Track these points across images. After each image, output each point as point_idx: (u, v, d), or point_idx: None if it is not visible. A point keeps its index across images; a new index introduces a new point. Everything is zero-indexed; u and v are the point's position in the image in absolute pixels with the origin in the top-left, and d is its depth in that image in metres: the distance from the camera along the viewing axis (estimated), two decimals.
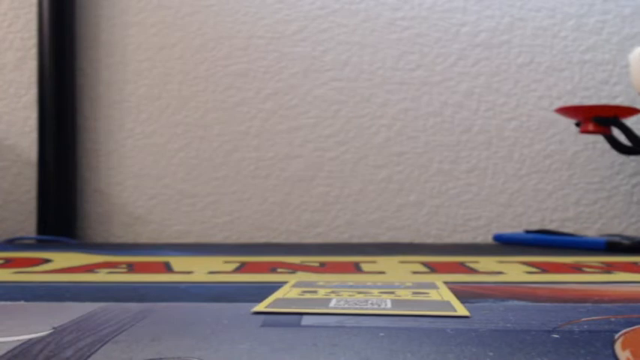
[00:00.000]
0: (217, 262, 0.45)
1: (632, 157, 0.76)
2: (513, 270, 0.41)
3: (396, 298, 0.28)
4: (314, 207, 0.76)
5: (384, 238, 0.76)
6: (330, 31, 0.77)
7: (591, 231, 0.77)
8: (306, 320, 0.23)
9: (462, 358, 0.18)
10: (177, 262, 0.46)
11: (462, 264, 0.45)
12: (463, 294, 0.29)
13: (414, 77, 0.77)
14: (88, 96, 0.77)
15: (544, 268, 0.42)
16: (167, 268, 0.42)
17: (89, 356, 0.18)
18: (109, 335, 0.20)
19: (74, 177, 0.75)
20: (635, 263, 0.46)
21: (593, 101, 0.77)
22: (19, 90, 0.77)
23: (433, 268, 0.42)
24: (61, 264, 0.44)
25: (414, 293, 0.29)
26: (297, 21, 0.77)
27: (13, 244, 0.67)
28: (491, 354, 0.18)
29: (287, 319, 0.23)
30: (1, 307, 0.26)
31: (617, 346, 0.19)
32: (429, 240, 0.76)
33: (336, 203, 0.76)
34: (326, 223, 0.76)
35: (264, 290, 0.30)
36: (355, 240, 0.76)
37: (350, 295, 0.28)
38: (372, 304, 0.26)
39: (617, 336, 0.21)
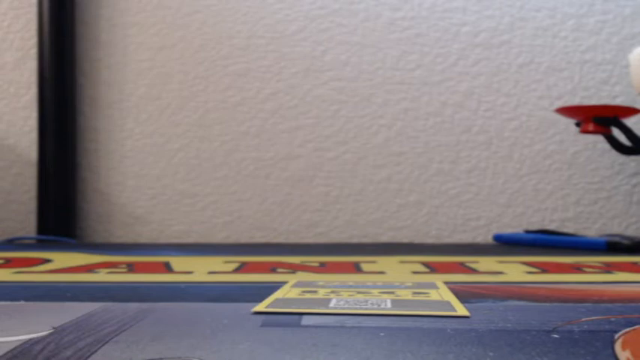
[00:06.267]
0: (217, 262, 0.45)
1: (632, 157, 0.76)
2: (513, 270, 0.41)
3: (396, 298, 0.28)
4: (314, 207, 0.76)
5: (384, 238, 0.76)
6: (330, 31, 0.77)
7: (591, 231, 0.77)
8: (306, 320, 0.23)
9: (462, 358, 0.18)
10: (177, 262, 0.46)
11: (462, 264, 0.45)
12: (463, 294, 0.29)
13: (414, 77, 0.77)
14: (88, 96, 0.77)
15: (544, 268, 0.42)
16: (167, 268, 0.42)
17: (89, 356, 0.18)
18: (109, 335, 0.20)
19: (74, 177, 0.75)
20: (635, 263, 0.46)
21: (593, 101, 0.77)
22: (19, 90, 0.77)
23: (433, 268, 0.42)
24: (61, 264, 0.44)
25: (414, 293, 0.29)
26: (297, 21, 0.77)
27: (13, 244, 0.67)
28: (491, 354, 0.18)
29: (287, 319, 0.23)
30: (1, 307, 0.26)
31: (617, 346, 0.19)
32: (429, 240, 0.76)
33: (336, 203, 0.76)
34: (326, 223, 0.76)
35: (264, 290, 0.30)
36: (355, 240, 0.76)
37: (350, 295, 0.28)
38: (372, 304, 0.26)
39: (617, 336, 0.21)
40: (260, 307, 0.25)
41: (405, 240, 0.76)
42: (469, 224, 0.77)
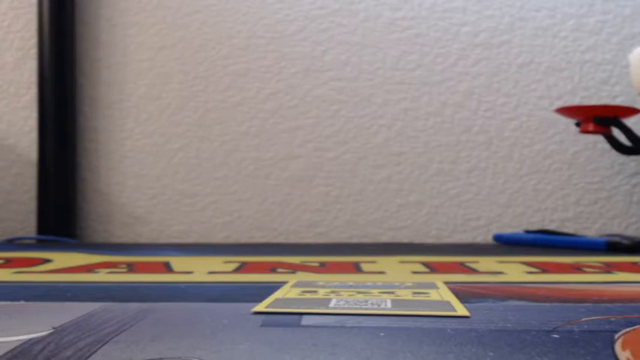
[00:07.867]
0: (217, 262, 0.45)
1: (632, 157, 0.76)
2: (513, 270, 0.41)
3: (396, 298, 0.28)
4: (314, 207, 0.76)
5: (384, 238, 0.76)
6: (330, 31, 0.77)
7: (591, 231, 0.77)
8: (306, 320, 0.23)
9: (462, 358, 0.18)
10: (177, 262, 0.46)
11: (462, 264, 0.45)
12: (463, 294, 0.29)
13: (414, 77, 0.77)
14: (88, 96, 0.77)
15: (544, 268, 0.42)
16: (167, 268, 0.42)
17: (89, 356, 0.18)
18: (109, 335, 0.20)
19: (74, 177, 0.75)
20: (635, 263, 0.46)
21: (593, 101, 0.77)
22: (19, 90, 0.77)
23: (433, 268, 0.42)
24: (61, 264, 0.44)
25: (414, 293, 0.29)
26: (297, 21, 0.77)
27: (13, 244, 0.67)
28: (491, 354, 0.18)
29: (287, 319, 0.23)
30: (1, 307, 0.26)
31: (617, 346, 0.19)
32: (429, 240, 0.76)
33: (336, 203, 0.76)
34: (326, 223, 0.76)
35: (264, 290, 0.30)
36: (355, 240, 0.76)
37: (350, 295, 0.28)
38: (372, 304, 0.26)
39: (617, 336, 0.21)
40: (260, 307, 0.25)
41: (405, 240, 0.76)
42: (469, 224, 0.77)
